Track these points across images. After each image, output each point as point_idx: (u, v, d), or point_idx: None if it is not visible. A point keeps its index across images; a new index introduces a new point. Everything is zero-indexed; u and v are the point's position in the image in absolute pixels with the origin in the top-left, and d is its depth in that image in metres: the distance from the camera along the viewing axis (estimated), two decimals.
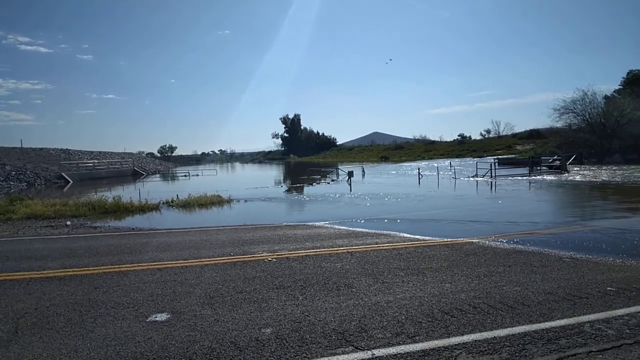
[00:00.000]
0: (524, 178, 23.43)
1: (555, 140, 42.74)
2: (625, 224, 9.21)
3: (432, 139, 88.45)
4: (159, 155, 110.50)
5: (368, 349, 3.23)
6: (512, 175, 24.83)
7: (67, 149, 51.93)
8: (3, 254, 7.40)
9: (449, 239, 7.69)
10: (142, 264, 6.26)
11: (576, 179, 21.59)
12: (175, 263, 6.28)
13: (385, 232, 8.76)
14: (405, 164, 49.96)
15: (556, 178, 22.56)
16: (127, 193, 21.01)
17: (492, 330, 3.53)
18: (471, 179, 24.22)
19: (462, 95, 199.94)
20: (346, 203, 15.12)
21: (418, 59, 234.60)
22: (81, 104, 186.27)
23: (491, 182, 21.76)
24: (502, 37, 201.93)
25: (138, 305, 4.43)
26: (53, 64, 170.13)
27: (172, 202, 15.30)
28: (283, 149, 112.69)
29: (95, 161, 47.29)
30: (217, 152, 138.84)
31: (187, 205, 14.92)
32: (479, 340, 3.33)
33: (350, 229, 9.30)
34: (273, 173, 45.74)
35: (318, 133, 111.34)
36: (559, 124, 41.31)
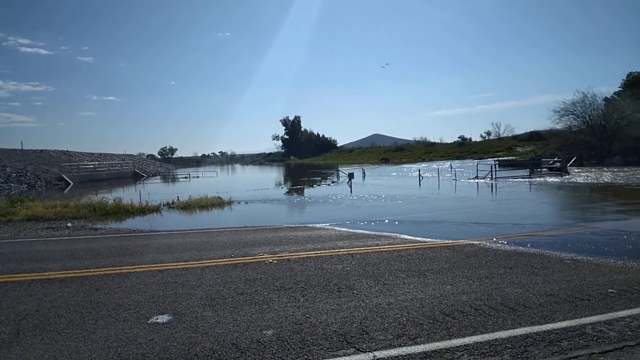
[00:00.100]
0: (525, 180, 23.42)
1: (555, 142, 42.76)
2: (626, 226, 9.20)
3: (433, 141, 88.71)
4: (159, 157, 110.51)
5: (369, 351, 3.23)
6: (513, 177, 24.83)
7: (67, 150, 52.09)
8: (4, 255, 7.40)
9: (450, 241, 7.69)
10: (143, 266, 6.26)
11: (578, 181, 21.59)
12: (176, 265, 6.28)
13: (386, 233, 8.76)
14: (405, 165, 49.99)
15: (559, 180, 22.56)
16: (128, 195, 21.02)
17: (493, 332, 3.53)
18: (472, 180, 24.22)
19: (463, 97, 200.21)
20: (347, 205, 15.12)
21: (418, 59, 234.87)
22: (82, 106, 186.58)
23: (492, 184, 21.75)
24: (502, 37, 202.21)
25: (139, 306, 4.43)
26: (53, 65, 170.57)
27: (172, 203, 15.31)
28: (283, 150, 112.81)
29: (96, 163, 47.32)
30: (218, 153, 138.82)
31: (188, 207, 14.92)
32: (481, 342, 3.33)
33: (351, 230, 9.30)
34: (273, 175, 45.75)
35: (318, 135, 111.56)
36: (559, 126, 41.44)
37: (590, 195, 16.58)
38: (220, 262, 6.40)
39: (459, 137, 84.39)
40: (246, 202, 16.42)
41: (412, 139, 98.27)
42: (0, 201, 17.07)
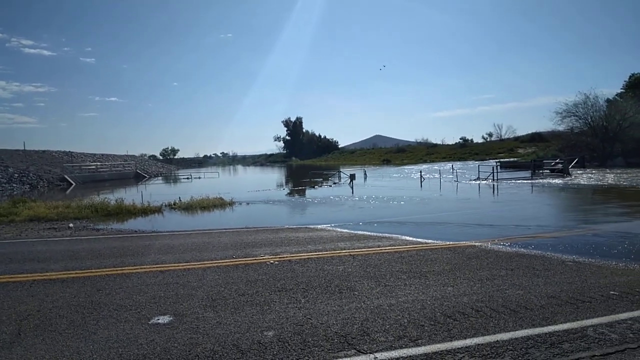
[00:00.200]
0: (527, 181, 23.37)
1: (557, 144, 42.71)
2: (629, 228, 9.16)
3: (434, 142, 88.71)
4: (161, 157, 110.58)
5: (370, 353, 3.23)
6: (515, 179, 24.78)
7: (69, 151, 52.14)
8: (6, 256, 7.42)
9: (451, 242, 7.68)
10: (144, 267, 6.27)
11: (580, 182, 21.53)
12: (178, 265, 6.29)
13: (387, 235, 8.75)
14: (407, 167, 49.96)
15: (561, 181, 22.50)
16: (130, 195, 21.04)
17: (494, 334, 3.52)
18: (473, 182, 24.19)
19: (464, 99, 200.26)
20: (348, 206, 15.12)
21: (419, 60, 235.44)
22: (84, 107, 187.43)
23: (493, 185, 21.72)
24: (503, 38, 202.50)
25: (140, 307, 4.44)
26: (56, 66, 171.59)
27: (174, 204, 15.33)
28: (285, 151, 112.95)
29: (98, 164, 47.44)
30: (219, 154, 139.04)
31: (190, 207, 14.94)
32: (482, 344, 3.32)
33: (352, 231, 9.30)
34: (275, 176, 45.78)
35: (320, 136, 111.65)
36: (561, 127, 41.43)
37: (593, 197, 16.53)
38: (222, 263, 6.41)
39: (460, 139, 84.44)
40: (247, 203, 16.43)
41: (413, 140, 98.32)
42: (2, 201, 17.14)
